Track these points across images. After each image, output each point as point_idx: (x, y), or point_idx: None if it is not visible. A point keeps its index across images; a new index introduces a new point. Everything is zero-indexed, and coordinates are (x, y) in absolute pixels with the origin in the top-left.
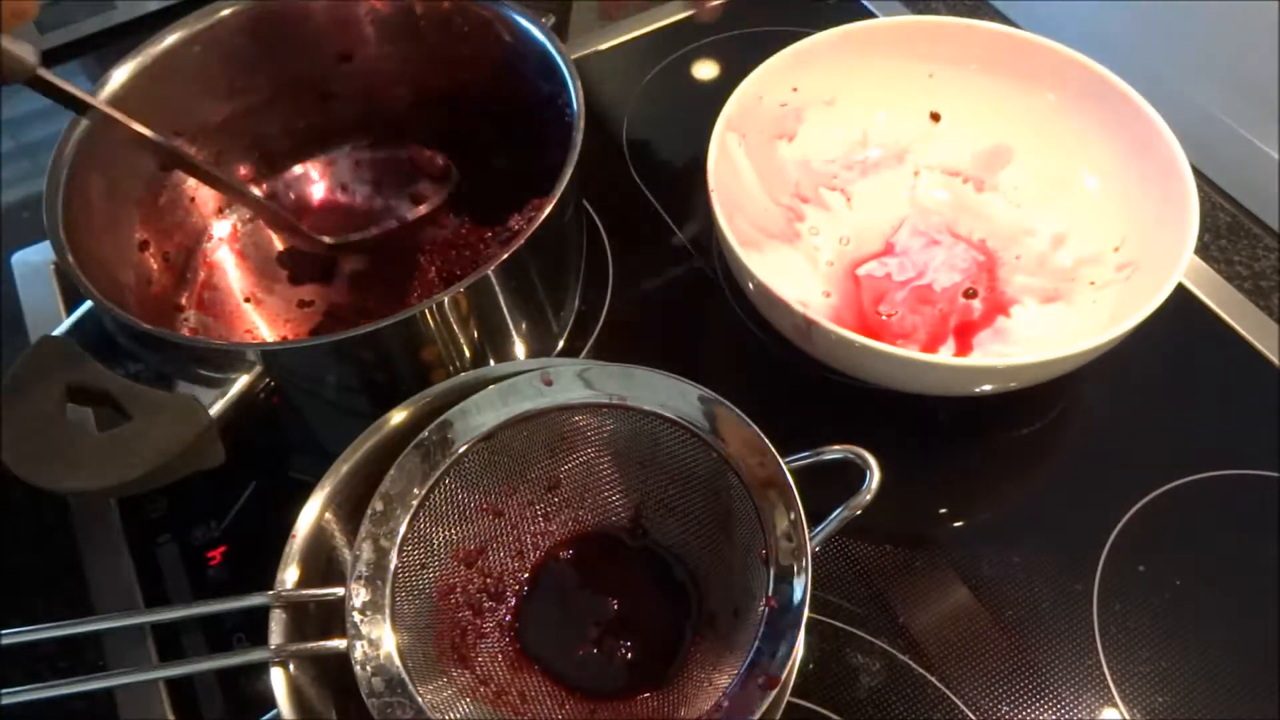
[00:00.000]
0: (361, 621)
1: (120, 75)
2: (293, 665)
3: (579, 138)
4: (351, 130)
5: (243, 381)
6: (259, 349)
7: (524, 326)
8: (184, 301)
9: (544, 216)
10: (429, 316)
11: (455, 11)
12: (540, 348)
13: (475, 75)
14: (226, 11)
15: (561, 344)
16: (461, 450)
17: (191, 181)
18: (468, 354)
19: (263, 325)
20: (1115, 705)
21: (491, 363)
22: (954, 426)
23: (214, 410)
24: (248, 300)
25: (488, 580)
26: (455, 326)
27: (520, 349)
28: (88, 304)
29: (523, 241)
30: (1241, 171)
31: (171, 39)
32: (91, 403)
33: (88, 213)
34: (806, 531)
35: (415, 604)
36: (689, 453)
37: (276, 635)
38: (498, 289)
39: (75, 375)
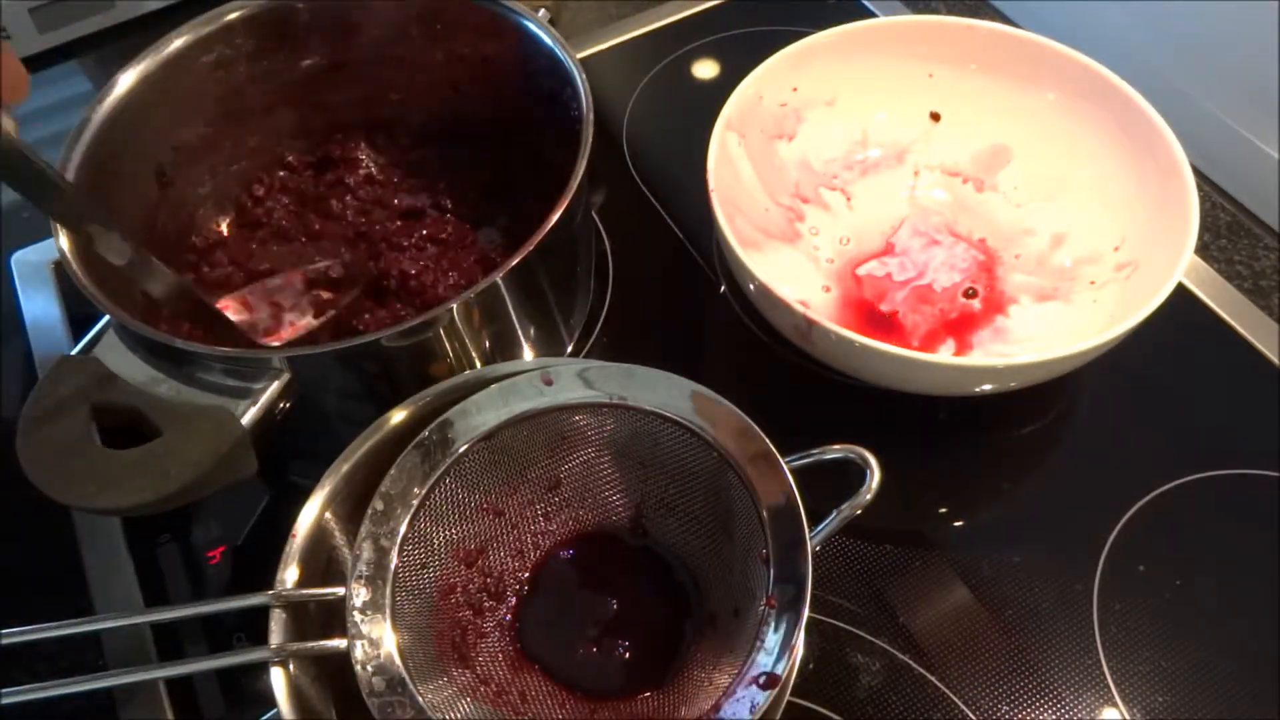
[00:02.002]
0: (362, 621)
1: (127, 80)
2: (293, 665)
3: (589, 138)
4: (354, 132)
5: (273, 389)
6: (284, 355)
7: (532, 332)
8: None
9: (554, 220)
10: (442, 323)
11: (457, 11)
12: (549, 354)
13: (478, 75)
14: (233, 15)
15: (570, 349)
16: (462, 450)
17: (188, 207)
18: (478, 361)
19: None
20: (1115, 705)
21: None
22: (954, 426)
23: (245, 419)
24: None
25: (488, 580)
26: (465, 334)
27: (529, 355)
28: (103, 321)
29: (532, 247)
30: (1241, 171)
31: (178, 43)
32: (119, 419)
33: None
34: (807, 531)
35: (415, 603)
36: (689, 452)
37: (276, 635)
38: (506, 295)
39: (100, 393)
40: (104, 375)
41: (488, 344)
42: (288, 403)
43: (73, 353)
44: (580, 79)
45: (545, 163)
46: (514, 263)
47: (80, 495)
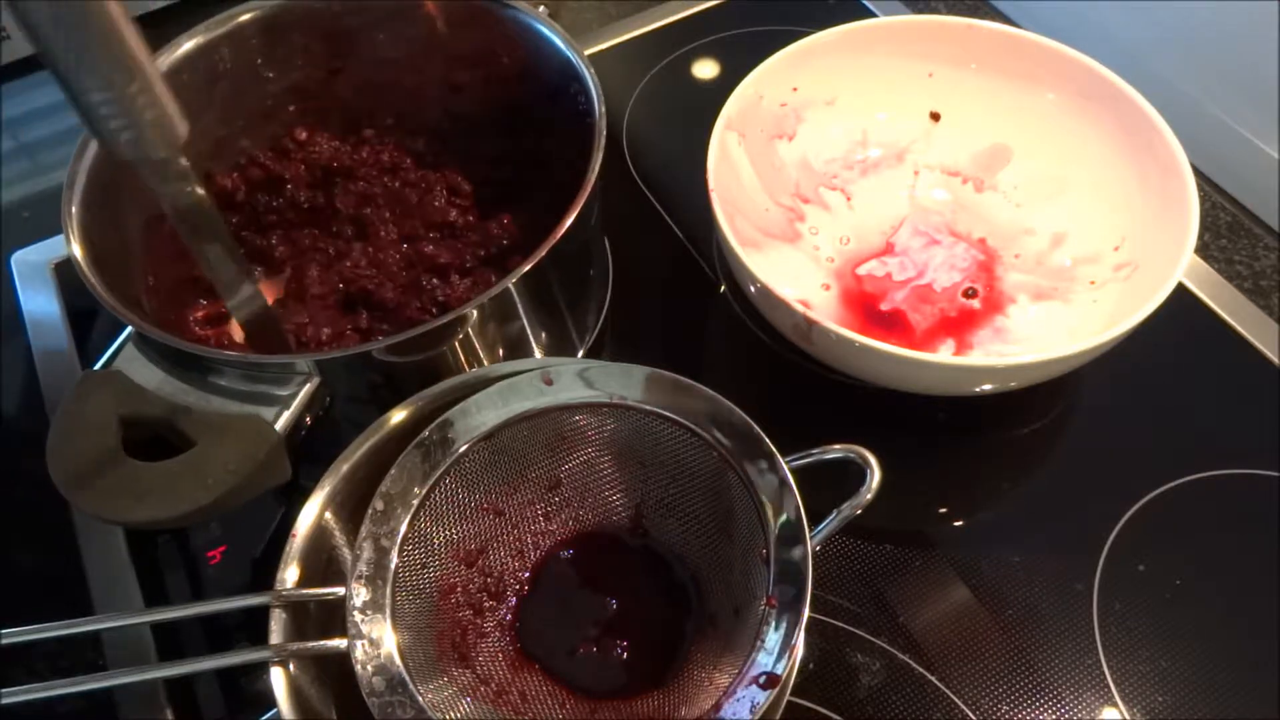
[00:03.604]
0: (362, 621)
1: None
2: (293, 665)
3: (602, 134)
4: (362, 131)
5: (305, 393)
6: (314, 359)
7: (544, 336)
8: (201, 332)
9: (570, 223)
10: (459, 329)
11: (461, 11)
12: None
13: (483, 74)
14: (245, 17)
15: (581, 353)
16: (462, 450)
17: None
18: (487, 362)
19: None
20: (1115, 705)
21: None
22: (954, 426)
23: (279, 425)
24: None
25: (488, 580)
26: (479, 337)
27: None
28: (123, 335)
29: (545, 251)
30: (1241, 171)
31: (188, 45)
32: (147, 432)
33: (105, 249)
34: (807, 531)
35: (416, 603)
36: (689, 452)
37: (276, 635)
38: (517, 299)
39: (127, 406)
40: (129, 388)
41: (501, 350)
42: (318, 407)
43: (95, 367)
44: (589, 75)
45: (553, 162)
46: (527, 268)
47: (118, 510)
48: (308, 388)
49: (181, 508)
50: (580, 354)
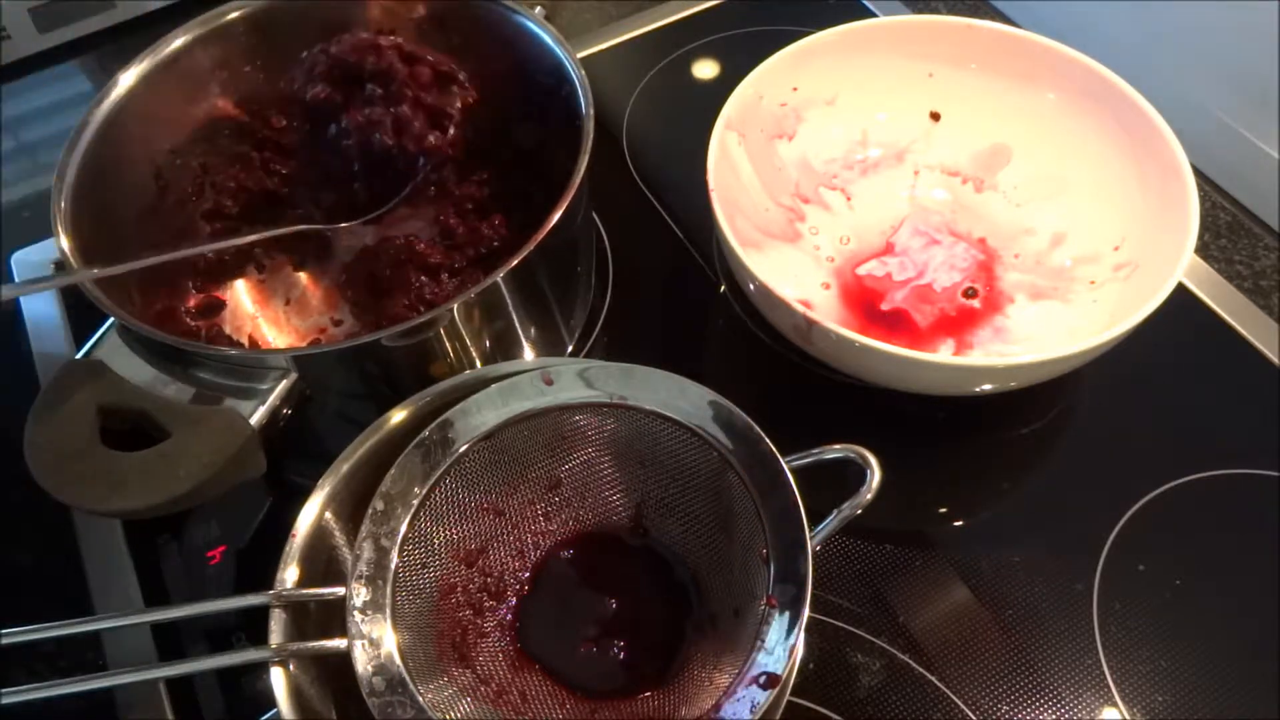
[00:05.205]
0: (362, 621)
1: (128, 79)
2: (293, 665)
3: (589, 136)
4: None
5: (281, 388)
6: (290, 355)
7: (533, 332)
8: (193, 323)
9: (555, 220)
10: (443, 323)
11: (455, 10)
12: (549, 354)
13: (477, 73)
14: (233, 15)
15: (570, 349)
16: (462, 449)
17: (187, 208)
18: (478, 361)
19: (272, 337)
20: (1115, 705)
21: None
22: (954, 426)
23: (254, 419)
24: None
25: (488, 580)
26: (466, 333)
27: (529, 355)
28: (106, 324)
29: (533, 246)
30: (1241, 171)
31: (177, 43)
32: (125, 422)
33: (95, 240)
34: (807, 531)
35: (416, 603)
36: (689, 452)
37: (276, 635)
38: (506, 295)
39: (106, 396)
40: (109, 378)
41: (488, 344)
42: (294, 402)
43: (77, 356)
44: (580, 77)
45: (545, 161)
46: (515, 262)
47: (91, 499)
48: (284, 383)
49: (153, 498)
50: (569, 350)
